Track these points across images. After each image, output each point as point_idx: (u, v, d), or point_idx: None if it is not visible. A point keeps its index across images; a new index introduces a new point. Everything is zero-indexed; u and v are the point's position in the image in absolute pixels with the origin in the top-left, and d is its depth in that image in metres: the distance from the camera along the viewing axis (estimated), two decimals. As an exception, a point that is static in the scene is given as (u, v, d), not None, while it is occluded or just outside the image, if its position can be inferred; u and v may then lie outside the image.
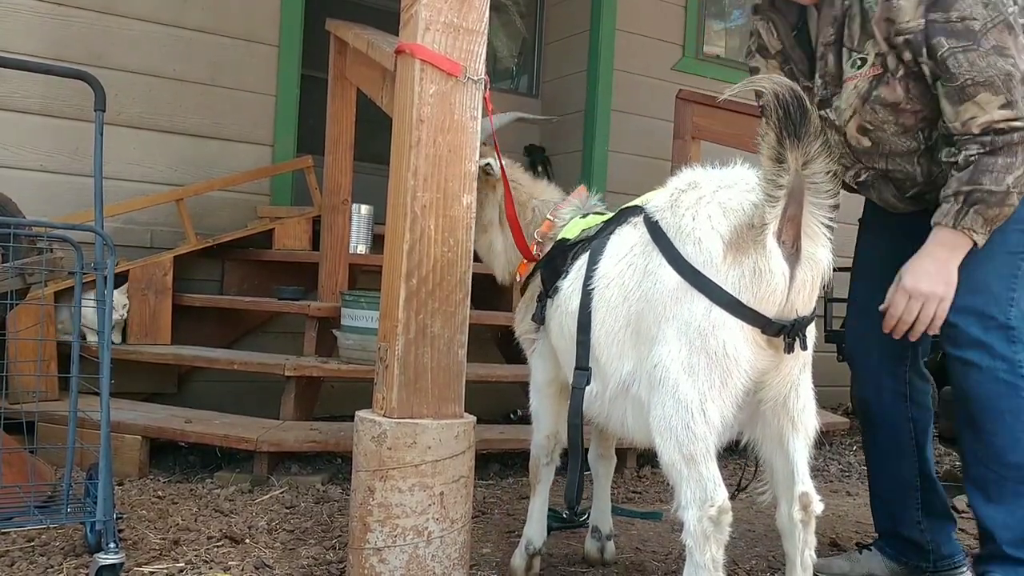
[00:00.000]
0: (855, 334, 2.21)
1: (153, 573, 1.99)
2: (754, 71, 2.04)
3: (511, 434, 3.20)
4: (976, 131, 1.70)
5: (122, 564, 1.84)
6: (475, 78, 1.84)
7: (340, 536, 2.30)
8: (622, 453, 3.25)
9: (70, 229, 2.59)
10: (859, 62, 1.82)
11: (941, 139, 1.83)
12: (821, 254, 1.52)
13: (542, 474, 2.10)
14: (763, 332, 1.51)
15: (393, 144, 1.89)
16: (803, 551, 1.63)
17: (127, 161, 3.83)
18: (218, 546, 2.20)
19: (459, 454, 1.83)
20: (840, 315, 4.65)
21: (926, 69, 1.75)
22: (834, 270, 4.56)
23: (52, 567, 1.98)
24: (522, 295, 2.16)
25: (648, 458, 3.47)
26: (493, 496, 2.92)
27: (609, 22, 5.09)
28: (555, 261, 1.96)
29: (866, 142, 1.89)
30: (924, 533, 2.11)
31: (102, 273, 2.02)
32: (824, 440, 4.15)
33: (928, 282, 1.77)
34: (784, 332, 1.51)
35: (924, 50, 1.72)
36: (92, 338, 3.13)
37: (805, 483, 1.63)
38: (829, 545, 2.54)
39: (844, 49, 1.84)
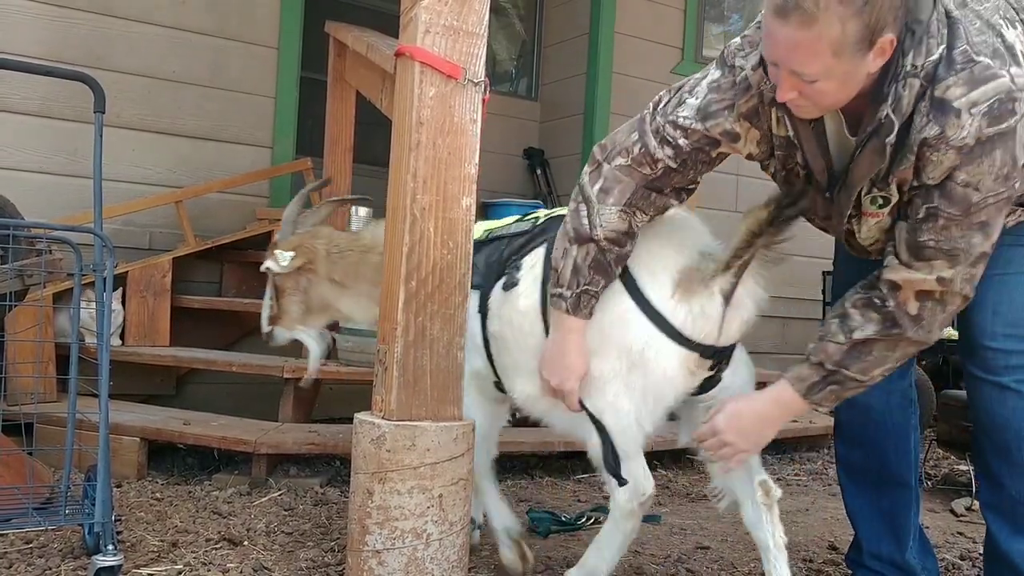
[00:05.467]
0: None
1: (152, 575, 1.99)
2: (730, 136, 1.65)
3: (509, 437, 3.19)
4: (895, 294, 1.55)
5: (120, 566, 1.84)
6: (475, 80, 1.84)
7: (339, 538, 2.30)
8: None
9: (69, 231, 2.59)
10: (881, 201, 1.59)
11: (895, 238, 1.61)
12: (750, 302, 1.75)
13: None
14: (701, 357, 1.74)
15: (392, 146, 1.89)
16: (774, 533, 1.80)
17: (126, 163, 3.83)
18: (216, 548, 2.20)
19: (458, 456, 1.83)
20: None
21: (911, 208, 1.54)
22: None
23: (50, 569, 1.97)
24: None
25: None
26: (492, 498, 2.92)
27: (608, 25, 5.09)
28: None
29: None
30: (917, 559, 1.99)
31: (101, 275, 2.02)
32: (823, 444, 4.15)
33: (745, 438, 1.68)
34: (714, 357, 1.76)
35: (922, 193, 1.51)
36: (90, 340, 3.13)
37: (761, 473, 1.83)
38: (828, 548, 2.54)
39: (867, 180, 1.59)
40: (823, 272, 4.80)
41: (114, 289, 2.53)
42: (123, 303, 3.47)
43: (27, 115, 3.65)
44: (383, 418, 1.82)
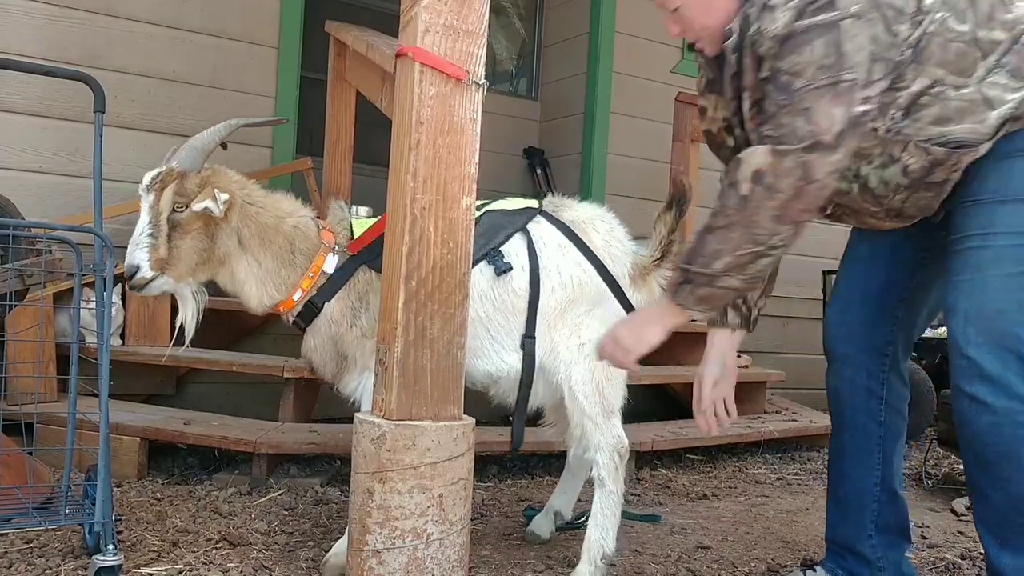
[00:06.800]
0: (837, 322, 2.04)
1: (152, 575, 1.99)
2: (701, 111, 1.96)
3: (509, 436, 3.19)
4: (736, 171, 1.63)
5: (121, 566, 1.84)
6: (475, 80, 1.84)
7: (339, 538, 2.29)
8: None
9: (69, 231, 2.59)
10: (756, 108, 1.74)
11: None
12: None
13: None
14: None
15: (392, 146, 1.89)
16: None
17: (126, 162, 3.83)
18: (216, 548, 2.20)
19: (458, 456, 1.83)
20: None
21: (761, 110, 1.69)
22: (832, 272, 4.57)
23: (51, 569, 1.98)
24: (301, 324, 2.12)
25: (646, 460, 3.47)
26: (492, 498, 2.92)
27: (608, 24, 5.09)
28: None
29: None
30: (875, 549, 1.99)
31: (101, 275, 2.02)
32: (822, 444, 4.15)
33: (628, 334, 1.80)
34: None
35: (765, 90, 1.65)
36: (90, 339, 3.13)
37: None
38: (828, 548, 2.54)
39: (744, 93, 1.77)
40: (823, 272, 4.79)
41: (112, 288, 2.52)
42: (123, 303, 3.47)
43: (27, 115, 3.65)
44: (383, 418, 1.82)
